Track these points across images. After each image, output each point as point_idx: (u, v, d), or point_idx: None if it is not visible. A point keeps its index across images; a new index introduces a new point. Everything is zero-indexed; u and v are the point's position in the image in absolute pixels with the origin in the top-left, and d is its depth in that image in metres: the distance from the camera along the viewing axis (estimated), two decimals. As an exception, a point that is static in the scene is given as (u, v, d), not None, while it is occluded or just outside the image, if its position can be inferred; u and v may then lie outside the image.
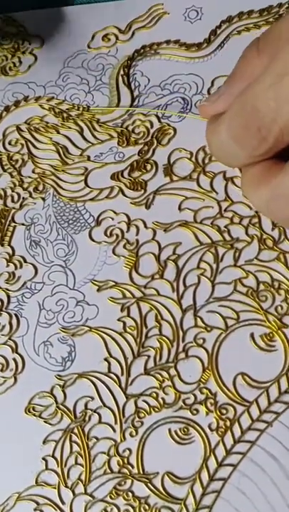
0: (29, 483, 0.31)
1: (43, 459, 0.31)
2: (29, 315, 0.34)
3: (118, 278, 0.34)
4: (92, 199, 0.36)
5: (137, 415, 0.31)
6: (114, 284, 0.34)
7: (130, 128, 0.37)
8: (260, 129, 0.27)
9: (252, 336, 0.32)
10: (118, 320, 0.33)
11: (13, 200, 0.37)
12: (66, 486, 0.31)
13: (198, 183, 0.35)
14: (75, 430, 0.32)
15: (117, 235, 0.35)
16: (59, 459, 0.31)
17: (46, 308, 0.34)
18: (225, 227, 0.34)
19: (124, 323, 0.33)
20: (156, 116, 0.37)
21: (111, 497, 0.30)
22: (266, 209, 0.29)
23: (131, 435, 0.31)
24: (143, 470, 0.30)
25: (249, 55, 0.30)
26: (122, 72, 0.39)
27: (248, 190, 0.30)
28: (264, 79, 0.26)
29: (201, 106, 0.33)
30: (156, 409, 0.31)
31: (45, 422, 0.32)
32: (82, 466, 0.31)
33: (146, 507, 0.30)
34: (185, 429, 0.31)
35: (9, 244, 0.36)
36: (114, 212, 0.36)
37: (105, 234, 0.35)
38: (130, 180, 0.36)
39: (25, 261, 0.36)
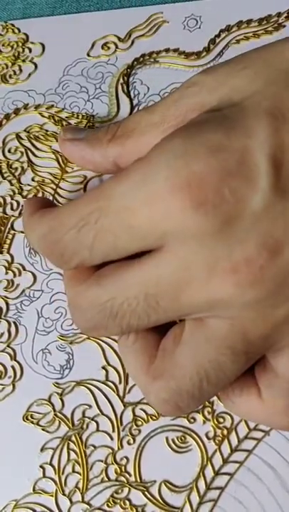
0: (27, 491, 0.31)
1: (41, 466, 0.32)
2: (28, 323, 0.34)
3: (116, 286, 0.34)
4: (91, 207, 0.36)
5: (135, 423, 0.31)
6: (112, 292, 0.34)
7: (129, 136, 0.37)
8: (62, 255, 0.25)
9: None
10: (116, 328, 0.33)
11: (12, 208, 0.37)
12: (63, 494, 0.31)
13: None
14: (73, 438, 0.32)
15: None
16: (56, 467, 0.31)
17: (45, 316, 0.34)
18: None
19: (122, 332, 0.33)
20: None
21: (108, 505, 0.30)
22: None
23: (128, 443, 0.31)
24: (140, 478, 0.31)
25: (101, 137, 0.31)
26: (121, 81, 0.39)
27: (66, 286, 0.27)
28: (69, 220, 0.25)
29: (63, 141, 0.34)
30: (154, 418, 0.31)
31: (42, 429, 0.32)
32: (80, 474, 0.31)
33: (143, 515, 0.30)
34: (182, 438, 0.31)
35: (8, 252, 0.36)
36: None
37: (104, 242, 0.35)
38: (129, 188, 0.36)
39: (24, 269, 0.36)
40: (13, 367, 0.34)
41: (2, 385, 0.33)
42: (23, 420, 0.33)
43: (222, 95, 0.25)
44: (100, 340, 0.33)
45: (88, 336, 0.33)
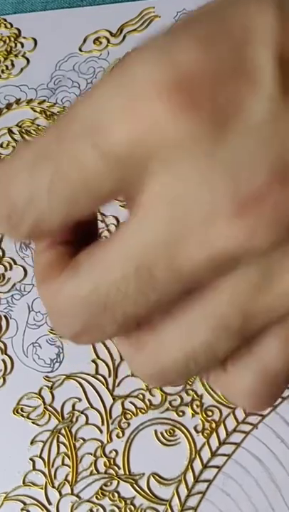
0: (17, 484, 0.31)
1: (31, 459, 0.32)
2: (18, 316, 0.35)
3: (107, 280, 0.34)
4: (82, 201, 0.36)
5: (124, 417, 0.32)
6: (102, 286, 0.34)
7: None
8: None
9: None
10: (106, 322, 0.33)
11: (3, 203, 0.37)
12: (53, 487, 0.31)
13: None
14: (63, 431, 0.32)
15: (106, 238, 0.35)
16: (46, 460, 0.32)
17: (35, 310, 0.34)
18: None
19: (112, 325, 0.33)
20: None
21: (97, 497, 0.30)
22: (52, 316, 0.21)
23: (117, 436, 0.31)
24: (129, 471, 0.31)
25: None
26: (113, 76, 0.39)
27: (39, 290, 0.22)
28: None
29: None
30: (143, 411, 0.32)
31: (33, 422, 0.32)
32: (69, 467, 0.31)
33: (132, 508, 0.30)
34: (171, 431, 0.31)
35: (-1, 246, 0.36)
36: (104, 215, 0.36)
37: (95, 236, 0.35)
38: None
39: (15, 263, 0.36)
40: (3, 360, 0.34)
41: (-7, 378, 0.34)
42: (14, 413, 0.33)
43: None
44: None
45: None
